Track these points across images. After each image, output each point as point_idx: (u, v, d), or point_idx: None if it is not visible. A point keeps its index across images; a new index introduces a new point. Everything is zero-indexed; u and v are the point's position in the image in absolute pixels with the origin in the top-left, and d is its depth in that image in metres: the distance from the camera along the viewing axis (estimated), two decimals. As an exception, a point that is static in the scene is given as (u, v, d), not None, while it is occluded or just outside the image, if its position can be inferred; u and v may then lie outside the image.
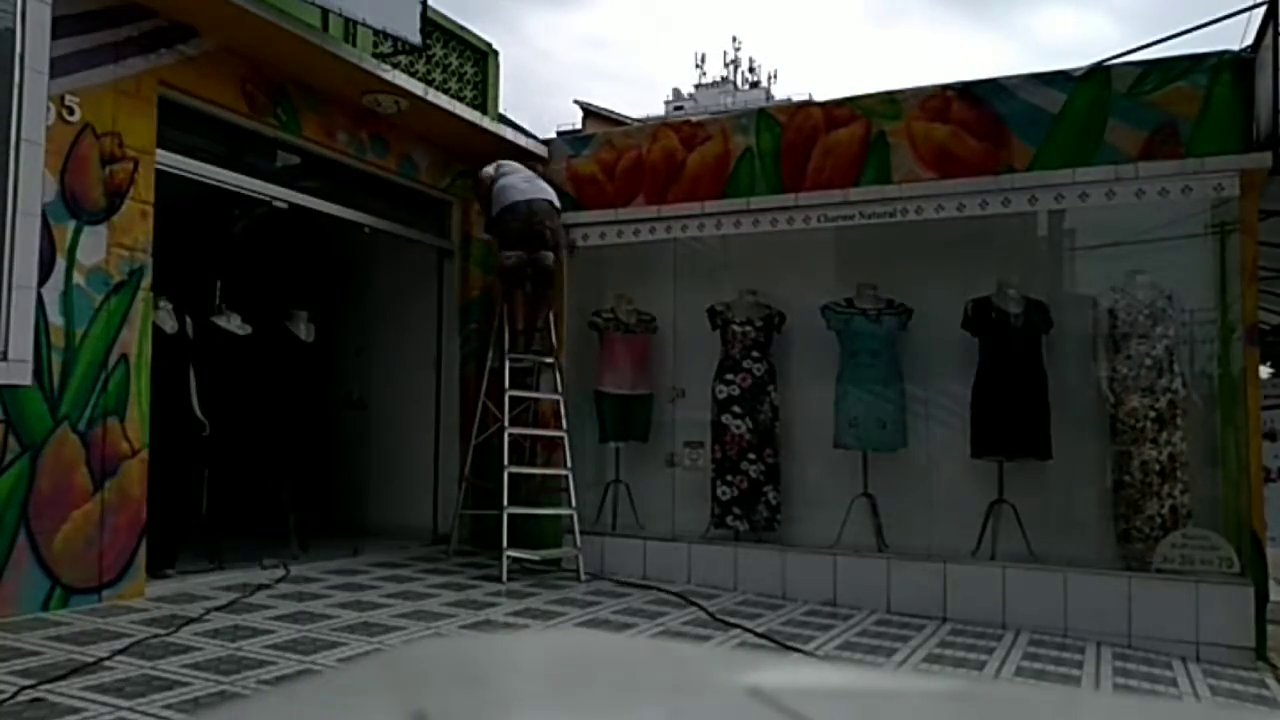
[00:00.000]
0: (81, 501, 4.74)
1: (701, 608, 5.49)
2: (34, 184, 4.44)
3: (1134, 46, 7.13)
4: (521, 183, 6.57)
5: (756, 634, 4.94)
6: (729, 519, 6.56)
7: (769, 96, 49.89)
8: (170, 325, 5.74)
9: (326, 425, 7.39)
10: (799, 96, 35.87)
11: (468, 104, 7.26)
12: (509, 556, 6.08)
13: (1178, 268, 5.86)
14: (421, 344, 7.79)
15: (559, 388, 6.80)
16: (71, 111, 4.73)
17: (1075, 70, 6.04)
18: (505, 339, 6.72)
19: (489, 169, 6.71)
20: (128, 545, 4.94)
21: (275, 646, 4.17)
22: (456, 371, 7.67)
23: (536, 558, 6.28)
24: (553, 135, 7.53)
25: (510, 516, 6.18)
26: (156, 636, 4.22)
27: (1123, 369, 5.73)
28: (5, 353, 4.35)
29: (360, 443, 7.96)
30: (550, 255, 6.54)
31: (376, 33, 6.37)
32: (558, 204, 6.71)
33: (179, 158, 5.44)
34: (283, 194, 6.21)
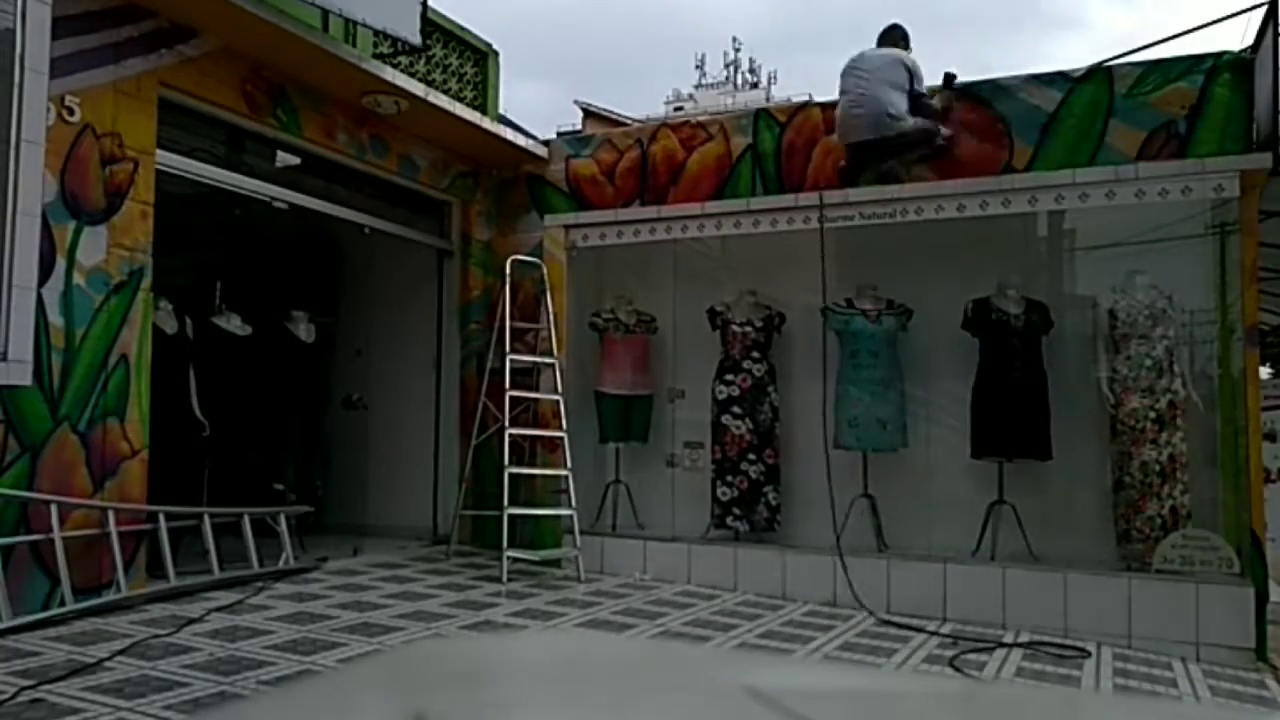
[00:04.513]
0: (81, 502, 4.73)
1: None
2: (34, 184, 4.44)
3: (1134, 47, 7.11)
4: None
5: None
6: (729, 519, 6.56)
7: (769, 97, 49.82)
8: (170, 326, 5.74)
9: (326, 425, 7.38)
10: (799, 97, 35.82)
11: (468, 104, 7.25)
12: (509, 557, 6.08)
13: (1178, 268, 5.86)
14: (421, 344, 7.79)
15: (559, 388, 6.80)
16: (71, 112, 4.73)
17: (1075, 71, 6.04)
18: (505, 338, 6.72)
19: None
20: (127, 546, 4.94)
21: (275, 647, 4.16)
22: (456, 371, 7.66)
23: (536, 558, 6.28)
24: (553, 135, 7.52)
25: (510, 517, 6.18)
26: (156, 637, 4.22)
27: (1123, 370, 5.73)
28: (5, 353, 4.35)
29: (360, 443, 7.96)
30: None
31: (376, 33, 6.36)
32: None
33: (179, 158, 5.44)
34: (283, 194, 6.21)
